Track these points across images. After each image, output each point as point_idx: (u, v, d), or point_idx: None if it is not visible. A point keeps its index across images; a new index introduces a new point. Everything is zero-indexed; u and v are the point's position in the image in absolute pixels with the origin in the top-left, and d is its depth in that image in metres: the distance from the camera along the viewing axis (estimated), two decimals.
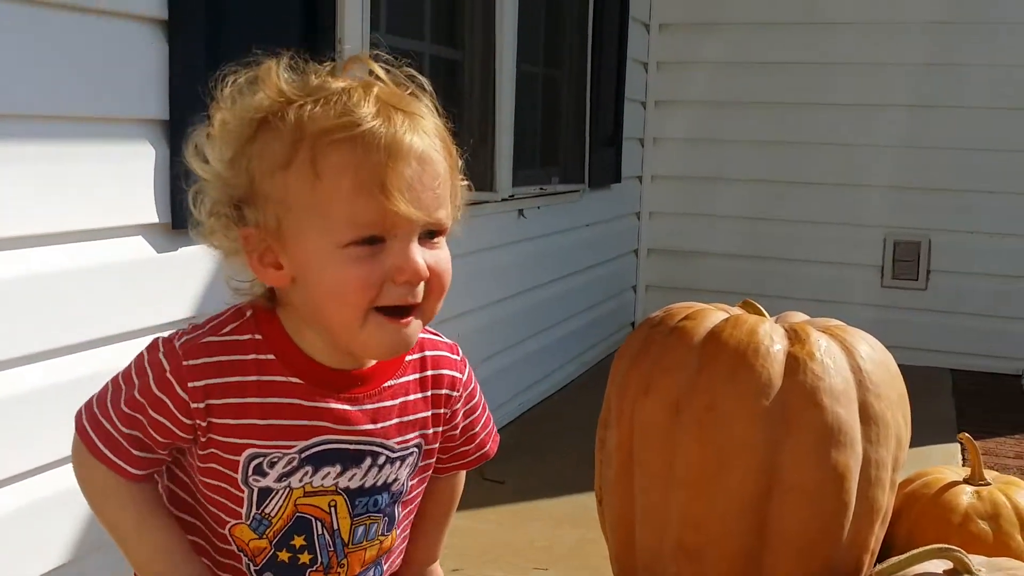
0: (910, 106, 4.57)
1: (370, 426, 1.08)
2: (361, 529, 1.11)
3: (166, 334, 1.09)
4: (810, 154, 4.74)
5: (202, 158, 1.05)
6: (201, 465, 1.07)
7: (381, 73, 1.05)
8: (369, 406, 1.08)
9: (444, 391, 1.16)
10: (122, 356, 1.67)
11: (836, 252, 4.74)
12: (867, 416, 1.74)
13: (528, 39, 3.71)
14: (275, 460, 1.06)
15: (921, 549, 1.66)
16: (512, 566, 2.43)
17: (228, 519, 1.08)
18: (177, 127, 1.78)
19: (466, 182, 1.09)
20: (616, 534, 1.91)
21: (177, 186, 1.81)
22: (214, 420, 1.05)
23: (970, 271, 4.57)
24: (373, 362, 1.09)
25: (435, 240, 1.03)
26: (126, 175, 1.74)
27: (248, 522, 1.08)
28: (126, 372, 1.09)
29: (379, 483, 1.11)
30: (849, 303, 4.56)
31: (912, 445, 2.89)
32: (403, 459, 1.12)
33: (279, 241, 1.01)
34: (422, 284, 1.01)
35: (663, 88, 4.98)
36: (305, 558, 1.09)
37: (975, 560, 1.65)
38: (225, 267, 1.09)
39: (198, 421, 1.05)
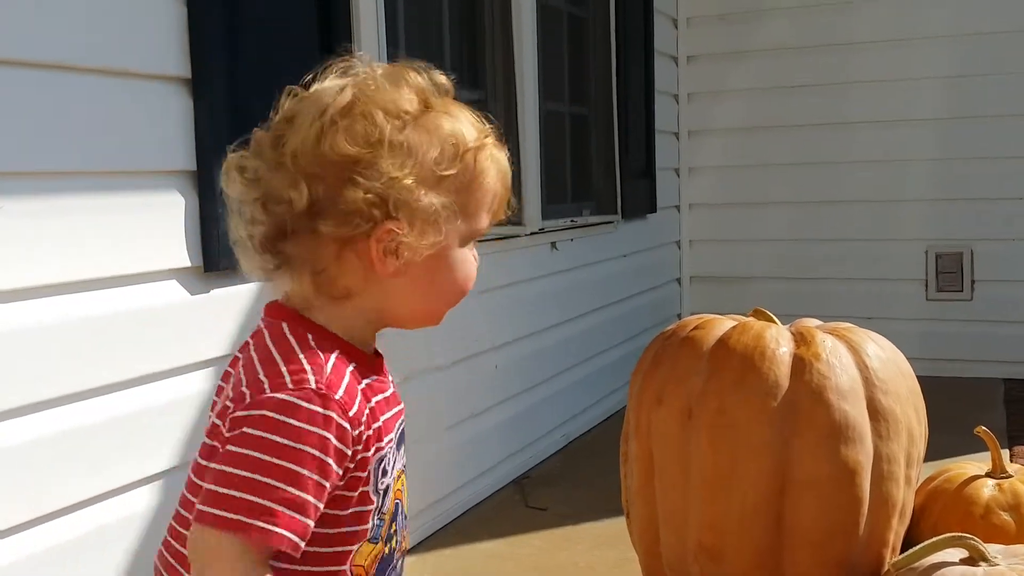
0: (941, 119, 4.58)
1: (401, 402, 1.16)
2: (409, 500, 1.20)
3: (279, 395, 1.01)
4: (846, 173, 4.76)
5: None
6: (344, 495, 1.05)
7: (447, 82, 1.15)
8: (391, 382, 1.16)
9: None
10: (159, 393, 1.82)
11: (879, 268, 4.74)
12: (875, 412, 1.78)
13: (553, 78, 3.81)
14: (386, 454, 1.08)
15: (936, 539, 1.69)
16: None
17: (353, 546, 1.07)
18: (204, 176, 1.90)
19: None
20: (643, 541, 1.96)
21: (208, 231, 1.93)
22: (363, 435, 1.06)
23: (1014, 279, 4.53)
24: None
25: None
26: (159, 223, 1.87)
27: (370, 535, 1.09)
28: (265, 447, 0.99)
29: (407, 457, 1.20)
30: (896, 318, 4.55)
31: (965, 453, 2.90)
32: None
33: (420, 236, 1.07)
34: None
35: (695, 118, 5.05)
36: (394, 543, 1.15)
37: (992, 548, 1.67)
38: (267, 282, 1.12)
39: (356, 448, 1.04)
